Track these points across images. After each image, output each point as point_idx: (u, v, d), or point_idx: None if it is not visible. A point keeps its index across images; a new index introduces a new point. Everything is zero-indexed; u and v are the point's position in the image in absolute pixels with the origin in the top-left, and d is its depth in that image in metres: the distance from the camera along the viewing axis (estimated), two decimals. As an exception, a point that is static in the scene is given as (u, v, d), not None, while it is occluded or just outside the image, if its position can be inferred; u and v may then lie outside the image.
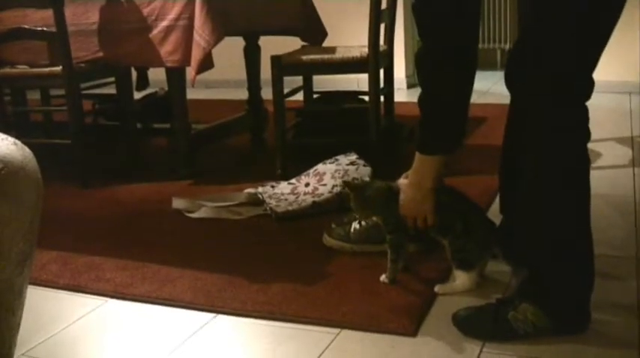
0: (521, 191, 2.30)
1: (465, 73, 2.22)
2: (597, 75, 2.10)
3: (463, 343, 2.18)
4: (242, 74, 4.88)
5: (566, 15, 2.05)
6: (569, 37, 2.06)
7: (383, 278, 2.62)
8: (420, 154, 2.33)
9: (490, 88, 6.67)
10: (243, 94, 4.93)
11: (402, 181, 2.46)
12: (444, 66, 2.21)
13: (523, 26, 2.36)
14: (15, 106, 4.90)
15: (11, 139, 2.10)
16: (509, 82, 2.24)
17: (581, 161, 2.16)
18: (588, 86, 2.11)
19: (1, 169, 1.91)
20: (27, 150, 2.11)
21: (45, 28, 4.00)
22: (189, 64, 3.83)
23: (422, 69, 2.26)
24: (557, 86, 2.09)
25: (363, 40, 3.85)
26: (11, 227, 1.96)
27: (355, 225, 2.90)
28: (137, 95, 4.96)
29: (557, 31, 2.07)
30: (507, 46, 7.63)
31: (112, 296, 2.66)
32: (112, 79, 4.66)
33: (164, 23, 3.88)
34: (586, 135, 2.15)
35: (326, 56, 3.94)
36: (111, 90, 4.97)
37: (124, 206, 3.71)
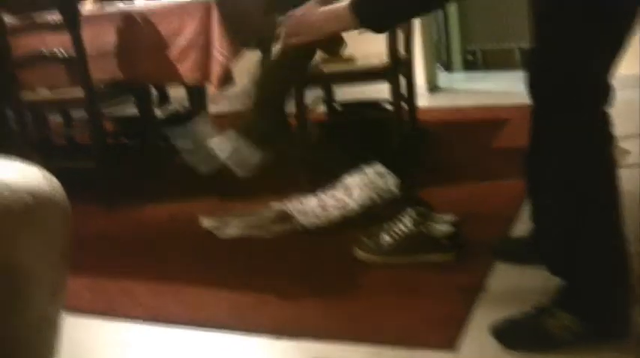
0: (547, 199, 2.28)
1: None
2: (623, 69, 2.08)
3: (503, 355, 2.16)
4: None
5: (575, 19, 2.04)
6: (578, 41, 2.05)
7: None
8: (345, 8, 2.23)
9: (511, 88, 6.59)
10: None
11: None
12: None
13: (534, 30, 2.34)
14: (37, 130, 4.90)
15: (39, 170, 2.09)
16: (528, 88, 2.23)
17: (605, 166, 2.14)
18: (603, 90, 2.10)
19: (31, 202, 1.91)
20: (54, 180, 2.10)
21: (63, 51, 4.00)
22: (209, 80, 3.83)
23: None
24: (569, 91, 2.07)
25: (382, 46, 3.83)
26: (43, 259, 1.95)
27: (386, 236, 2.88)
28: (158, 112, 4.97)
29: (565, 35, 2.06)
30: (526, 45, 7.58)
31: (147, 322, 2.65)
32: (132, 97, 4.68)
33: (182, 41, 3.87)
34: (607, 139, 2.13)
35: (346, 67, 3.93)
36: (131, 108, 4.98)
37: (151, 227, 3.70)
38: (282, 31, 2.42)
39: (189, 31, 3.83)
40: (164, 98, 5.18)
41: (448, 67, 7.92)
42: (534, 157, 2.47)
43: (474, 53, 7.95)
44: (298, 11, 2.36)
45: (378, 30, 2.26)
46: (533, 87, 2.20)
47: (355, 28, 2.22)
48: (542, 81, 2.16)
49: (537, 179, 2.44)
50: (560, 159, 2.14)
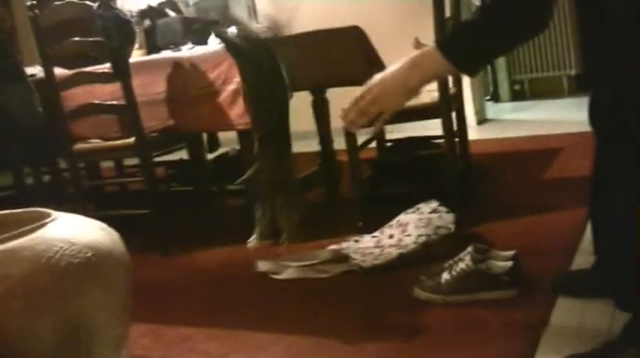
0: (614, 231, 2.24)
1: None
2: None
3: (573, 393, 2.12)
4: (309, 126, 4.87)
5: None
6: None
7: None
8: (434, 49, 2.09)
9: (560, 116, 6.57)
10: (311, 146, 4.91)
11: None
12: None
13: (584, 59, 2.30)
14: (90, 179, 4.95)
15: (98, 223, 2.11)
16: (589, 118, 2.21)
17: None
18: None
19: (91, 257, 1.92)
20: (114, 233, 2.12)
21: (115, 102, 4.04)
22: (259, 126, 3.84)
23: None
24: (631, 122, 2.04)
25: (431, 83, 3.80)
26: (105, 312, 1.96)
27: (445, 275, 2.85)
28: (209, 156, 5.00)
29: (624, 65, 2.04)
30: (572, 72, 7.54)
31: (207, 368, 2.65)
32: (184, 143, 4.72)
33: (231, 87, 3.88)
34: None
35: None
36: (182, 154, 5.01)
37: (207, 272, 3.70)
38: (352, 112, 2.18)
39: (238, 77, 3.85)
40: (214, 142, 5.21)
41: (495, 98, 7.90)
42: (598, 186, 2.42)
43: (521, 83, 7.92)
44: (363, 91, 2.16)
45: (470, 71, 2.16)
46: (594, 117, 2.18)
47: (447, 72, 2.15)
48: (602, 111, 2.14)
49: (601, 208, 2.40)
50: (626, 188, 2.10)
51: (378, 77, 2.13)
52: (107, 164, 5.39)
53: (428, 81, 2.13)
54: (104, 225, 2.10)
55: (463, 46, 2.09)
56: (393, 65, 2.13)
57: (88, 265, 1.89)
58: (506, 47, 2.17)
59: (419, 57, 2.10)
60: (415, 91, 2.15)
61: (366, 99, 2.13)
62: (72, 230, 1.96)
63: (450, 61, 2.05)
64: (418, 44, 2.21)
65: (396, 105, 2.14)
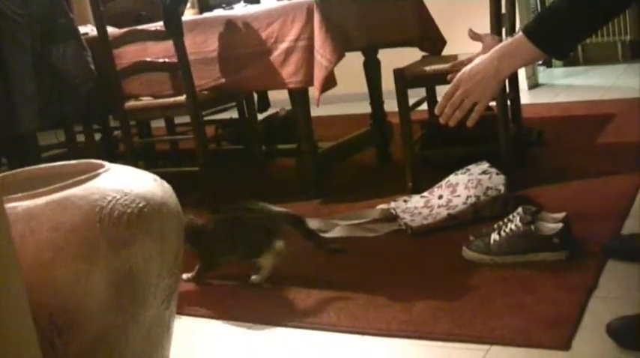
0: None
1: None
2: None
3: (620, 355, 2.10)
4: (361, 88, 4.86)
5: None
6: None
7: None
8: (522, 37, 2.04)
9: (614, 82, 6.49)
10: (362, 108, 4.90)
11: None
12: None
13: None
14: (141, 137, 4.99)
15: (150, 175, 2.13)
16: None
17: None
18: None
19: (144, 207, 1.93)
20: (166, 185, 2.13)
21: (166, 60, 4.06)
22: (311, 84, 3.83)
23: None
24: None
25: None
26: (157, 263, 1.97)
27: (495, 236, 2.84)
28: (259, 115, 5.00)
29: None
30: (628, 38, 7.44)
31: (257, 323, 2.67)
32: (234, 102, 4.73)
33: (284, 45, 3.89)
34: None
35: (449, 66, 3.89)
36: (233, 113, 5.02)
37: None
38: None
39: (291, 35, 3.85)
40: (265, 101, 5.22)
41: (548, 63, 7.82)
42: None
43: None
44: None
45: (562, 55, 2.14)
46: None
47: (537, 58, 2.12)
48: None
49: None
50: None
51: (467, 69, 2.10)
52: (158, 124, 5.41)
53: (517, 68, 2.13)
54: (157, 177, 2.12)
55: (553, 31, 2.06)
56: (481, 56, 2.11)
57: (140, 215, 1.90)
58: (598, 26, 2.12)
59: (507, 46, 2.07)
60: (505, 80, 2.16)
61: (459, 92, 2.11)
62: (125, 180, 1.98)
63: (541, 48, 2.02)
64: (474, 35, 2.22)
65: (490, 96, 2.11)
